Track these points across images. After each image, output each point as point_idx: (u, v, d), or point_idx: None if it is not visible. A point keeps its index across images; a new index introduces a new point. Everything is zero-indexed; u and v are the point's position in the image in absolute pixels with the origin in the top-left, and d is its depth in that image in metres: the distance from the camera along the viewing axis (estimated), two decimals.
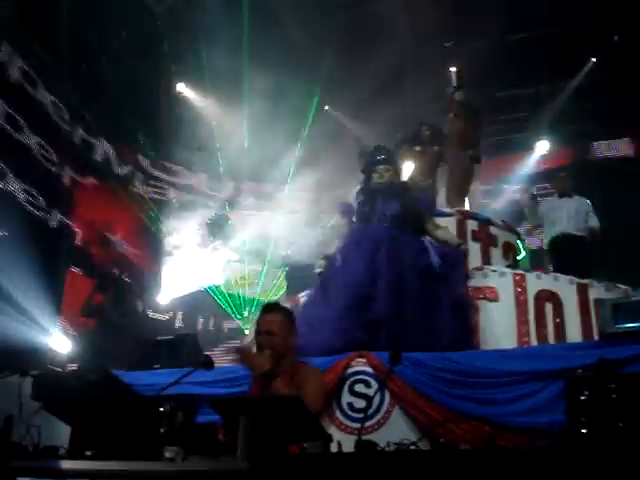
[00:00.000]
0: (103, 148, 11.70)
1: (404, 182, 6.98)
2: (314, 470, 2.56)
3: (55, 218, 10.81)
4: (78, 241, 11.56)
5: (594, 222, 8.85)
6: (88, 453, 3.50)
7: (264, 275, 12.11)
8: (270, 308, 4.11)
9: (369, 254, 5.94)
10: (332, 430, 4.89)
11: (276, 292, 11.77)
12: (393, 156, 6.79)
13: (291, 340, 4.06)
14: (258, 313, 4.19)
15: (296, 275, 8.98)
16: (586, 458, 2.74)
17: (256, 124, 12.04)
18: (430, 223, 6.48)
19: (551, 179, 9.61)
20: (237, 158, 12.29)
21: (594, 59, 11.72)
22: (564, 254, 8.62)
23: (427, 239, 6.30)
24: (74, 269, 11.42)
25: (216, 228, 12.46)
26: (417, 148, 9.00)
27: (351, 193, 6.93)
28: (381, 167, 6.49)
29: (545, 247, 9.17)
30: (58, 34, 10.57)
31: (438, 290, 5.89)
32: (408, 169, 9.26)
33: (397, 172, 6.73)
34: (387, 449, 2.94)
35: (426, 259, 5.98)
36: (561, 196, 8.99)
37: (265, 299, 12.01)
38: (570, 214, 8.75)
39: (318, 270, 6.50)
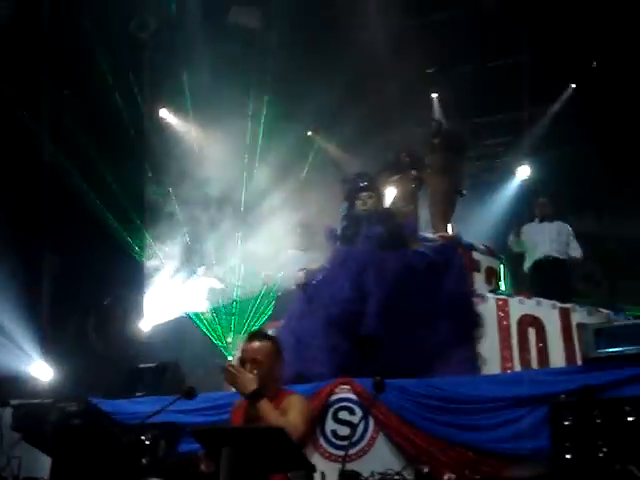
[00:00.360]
0: None
1: (387, 208, 6.99)
2: None
3: None
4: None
5: (577, 252, 8.97)
6: None
7: (248, 301, 12.05)
8: (256, 336, 3.99)
9: (355, 273, 5.97)
10: (316, 458, 4.86)
11: (260, 318, 11.71)
12: (375, 182, 6.80)
13: (278, 369, 3.95)
14: (243, 341, 4.07)
15: (282, 300, 8.92)
16: None
17: (238, 149, 12.05)
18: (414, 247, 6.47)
19: (532, 205, 9.67)
20: (221, 184, 12.28)
21: (573, 85, 11.87)
22: (546, 276, 8.72)
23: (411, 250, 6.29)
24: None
25: (194, 254, 12.42)
26: (395, 177, 9.02)
27: (336, 219, 6.93)
28: (364, 194, 6.52)
29: (526, 271, 9.21)
30: (39, 60, 10.56)
31: (431, 303, 5.89)
32: (390, 195, 9.30)
33: (380, 198, 6.76)
34: (370, 479, 2.92)
35: (413, 274, 5.99)
36: (542, 221, 9.11)
37: (249, 325, 11.97)
38: (552, 237, 8.88)
39: (296, 283, 6.52)
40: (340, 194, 7.04)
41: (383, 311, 5.72)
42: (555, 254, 8.80)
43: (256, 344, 3.88)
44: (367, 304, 5.76)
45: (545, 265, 8.80)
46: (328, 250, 6.70)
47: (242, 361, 3.89)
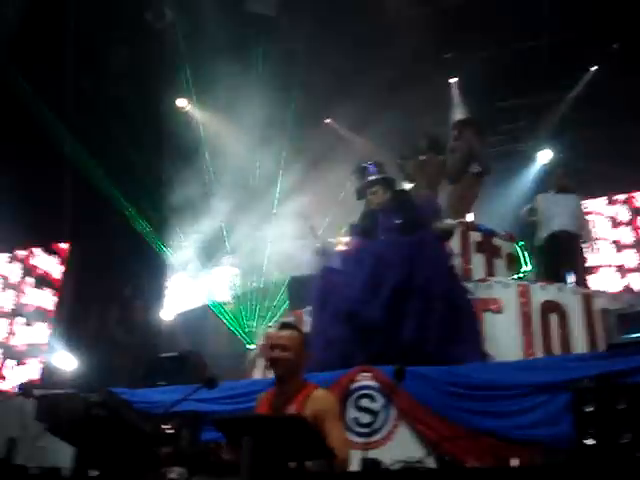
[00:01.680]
0: None
1: (403, 194, 6.86)
2: None
3: None
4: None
5: (586, 234, 8.68)
6: (92, 474, 3.49)
7: (267, 291, 12.07)
8: (286, 325, 4.13)
9: (369, 268, 5.94)
10: None
11: (279, 307, 11.73)
12: (384, 170, 6.68)
13: (304, 359, 4.00)
14: (274, 329, 4.15)
15: (297, 289, 8.92)
16: (597, 473, 2.70)
17: (255, 138, 12.05)
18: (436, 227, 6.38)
19: (549, 175, 9.38)
20: (235, 173, 12.30)
21: (594, 68, 11.72)
22: (562, 251, 8.39)
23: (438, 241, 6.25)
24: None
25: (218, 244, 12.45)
26: (421, 157, 8.93)
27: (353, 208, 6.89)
28: (375, 188, 6.44)
29: (538, 242, 8.67)
30: (60, 51, 10.62)
31: (442, 298, 5.87)
32: (412, 181, 9.27)
33: (391, 186, 6.61)
34: (392, 467, 2.91)
35: (436, 261, 5.97)
36: (558, 192, 8.68)
37: (271, 315, 12.00)
38: (570, 211, 8.46)
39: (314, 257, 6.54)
40: (352, 187, 7.00)
41: (392, 301, 5.71)
42: (573, 229, 8.41)
43: (286, 332, 3.97)
44: (377, 301, 5.75)
45: (562, 239, 8.34)
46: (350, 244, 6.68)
47: (271, 347, 3.95)
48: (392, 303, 5.73)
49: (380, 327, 5.67)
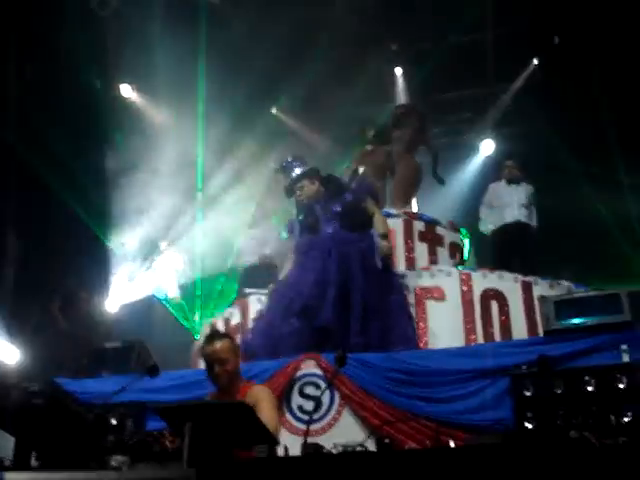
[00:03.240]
0: None
1: (331, 177, 6.84)
2: (259, 474, 2.56)
3: None
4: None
5: (535, 221, 8.93)
6: (34, 464, 3.47)
7: (213, 280, 12.02)
8: (214, 336, 4.21)
9: (319, 262, 5.97)
10: (282, 432, 4.90)
11: (228, 295, 11.70)
12: (305, 163, 6.63)
13: (239, 362, 4.22)
14: (203, 344, 4.29)
15: (246, 277, 8.95)
16: (529, 453, 2.79)
17: (198, 125, 11.98)
18: (371, 206, 6.36)
19: (498, 167, 9.59)
20: (179, 162, 12.21)
21: (536, 60, 11.93)
22: (515, 242, 8.57)
23: (374, 234, 6.29)
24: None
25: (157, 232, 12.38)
26: (368, 147, 8.98)
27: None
28: (301, 183, 6.41)
29: (488, 232, 8.99)
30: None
31: (383, 290, 5.94)
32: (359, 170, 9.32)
33: (318, 176, 6.58)
34: (333, 451, 2.96)
35: (373, 260, 6.02)
36: (509, 183, 8.92)
37: (215, 305, 11.96)
38: (521, 201, 8.69)
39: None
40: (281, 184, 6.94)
41: (339, 302, 5.76)
42: (524, 219, 8.67)
43: (218, 345, 4.08)
44: (325, 296, 5.78)
45: (514, 230, 8.66)
46: (291, 242, 6.64)
47: (208, 363, 4.08)
48: (337, 302, 5.77)
49: (330, 325, 5.71)
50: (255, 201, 9.91)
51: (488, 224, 8.95)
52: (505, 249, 8.63)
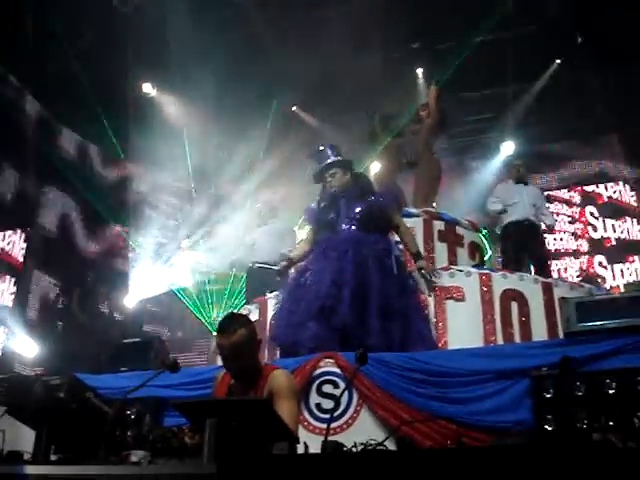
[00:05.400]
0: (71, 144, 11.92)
1: (363, 176, 6.84)
2: (280, 472, 2.55)
3: None
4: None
5: (550, 220, 9.00)
6: (53, 458, 3.48)
7: (231, 276, 12.04)
8: (227, 328, 3.78)
9: (336, 262, 5.93)
10: (300, 431, 4.89)
11: (241, 294, 11.73)
12: (340, 153, 6.60)
13: (257, 350, 3.91)
14: (216, 336, 3.88)
15: (256, 276, 8.92)
16: (552, 455, 2.75)
17: (219, 123, 12.01)
18: (397, 217, 6.36)
19: (506, 167, 9.65)
20: (201, 160, 12.26)
21: (558, 60, 11.85)
22: (523, 239, 8.60)
23: (393, 239, 6.27)
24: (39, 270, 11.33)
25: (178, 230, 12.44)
26: (383, 147, 8.98)
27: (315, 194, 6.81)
28: (333, 170, 6.38)
29: (498, 230, 9.03)
30: (24, 32, 10.48)
31: (399, 291, 5.91)
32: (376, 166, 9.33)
33: (351, 169, 6.55)
34: (353, 449, 2.95)
35: (389, 262, 5.99)
36: (517, 182, 8.95)
37: (233, 300, 11.99)
38: (530, 200, 8.71)
39: (278, 268, 6.51)
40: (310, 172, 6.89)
41: (356, 303, 5.73)
42: (532, 218, 8.68)
43: (231, 338, 3.71)
44: (342, 296, 5.75)
45: (522, 228, 8.64)
46: (309, 233, 6.61)
47: (224, 358, 3.81)
48: (354, 302, 5.75)
49: (348, 325, 5.69)
50: (259, 199, 9.91)
51: (499, 223, 8.95)
52: (515, 247, 8.62)
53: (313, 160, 6.68)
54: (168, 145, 11.94)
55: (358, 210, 6.16)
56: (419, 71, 12.19)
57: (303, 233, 8.91)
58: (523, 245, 8.60)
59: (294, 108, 13.00)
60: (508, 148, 12.63)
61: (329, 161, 6.36)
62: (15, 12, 10.26)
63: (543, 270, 8.17)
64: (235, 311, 7.11)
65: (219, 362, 6.73)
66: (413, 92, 11.66)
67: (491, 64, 11.33)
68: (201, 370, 5.97)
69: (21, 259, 11.26)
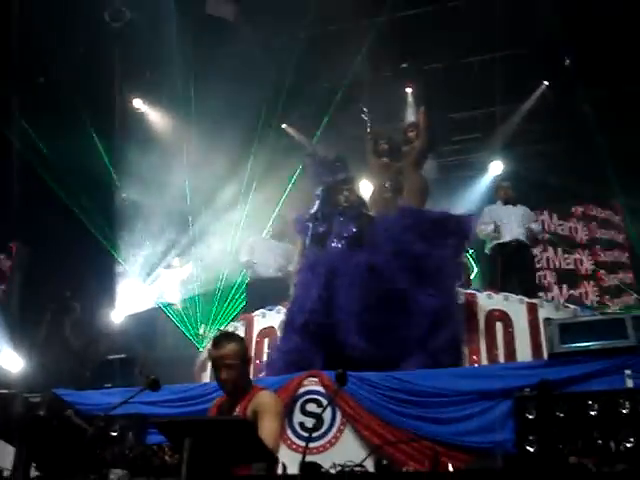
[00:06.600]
0: None
1: (361, 202, 6.86)
2: None
3: None
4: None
5: (537, 227, 9.17)
6: (34, 475, 3.47)
7: (220, 292, 12.03)
8: (221, 340, 3.95)
9: (323, 279, 5.95)
10: (282, 449, 4.88)
11: (234, 308, 11.71)
12: (350, 171, 6.61)
13: (248, 366, 4.04)
14: (210, 347, 4.05)
15: (255, 290, 8.92)
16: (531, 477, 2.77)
17: (208, 141, 12.02)
18: None
19: (494, 188, 9.73)
20: (192, 174, 12.26)
21: (546, 82, 11.94)
22: (513, 260, 8.66)
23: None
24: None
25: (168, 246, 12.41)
26: (384, 159, 8.94)
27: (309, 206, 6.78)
28: (349, 186, 6.38)
29: (488, 251, 9.07)
30: (12, 45, 10.48)
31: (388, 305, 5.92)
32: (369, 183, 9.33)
33: (355, 190, 6.60)
34: (332, 470, 2.95)
35: (375, 279, 6.00)
36: (506, 204, 9.04)
37: (221, 316, 11.96)
38: (519, 221, 8.81)
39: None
40: (314, 179, 6.85)
41: (339, 317, 5.74)
42: (522, 238, 8.76)
43: (224, 349, 3.86)
44: (335, 314, 5.76)
45: (512, 249, 8.72)
46: (299, 245, 6.65)
47: (215, 368, 3.91)
48: (344, 317, 5.76)
49: (335, 340, 5.70)
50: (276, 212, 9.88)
51: (488, 244, 9.01)
52: (504, 267, 8.67)
53: (322, 169, 6.67)
54: (159, 161, 11.93)
55: (351, 229, 6.19)
56: (408, 90, 12.24)
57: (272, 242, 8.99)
58: (512, 265, 8.64)
59: (283, 126, 13.01)
60: (496, 168, 12.66)
61: (350, 175, 6.39)
62: (2, 24, 10.25)
63: (532, 292, 8.19)
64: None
65: (204, 379, 6.77)
66: (401, 111, 11.72)
67: (480, 85, 11.39)
68: (185, 387, 5.95)
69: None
